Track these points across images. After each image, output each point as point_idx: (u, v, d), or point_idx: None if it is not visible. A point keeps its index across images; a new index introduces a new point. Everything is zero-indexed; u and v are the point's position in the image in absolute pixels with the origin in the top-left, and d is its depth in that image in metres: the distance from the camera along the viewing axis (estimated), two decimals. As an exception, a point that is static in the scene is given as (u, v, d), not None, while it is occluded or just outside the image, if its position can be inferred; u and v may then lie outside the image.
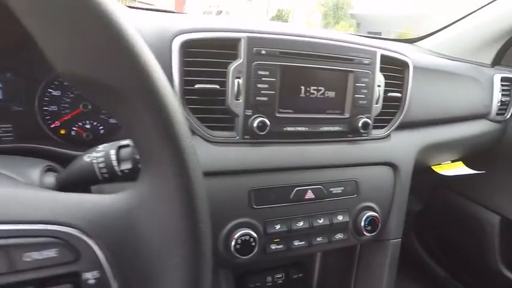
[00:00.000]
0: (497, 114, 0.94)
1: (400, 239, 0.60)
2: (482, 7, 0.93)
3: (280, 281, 0.66)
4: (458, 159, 0.91)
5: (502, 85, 0.92)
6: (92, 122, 0.48)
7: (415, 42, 1.10)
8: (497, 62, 0.98)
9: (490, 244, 1.07)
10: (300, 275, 0.67)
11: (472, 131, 0.88)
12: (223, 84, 0.48)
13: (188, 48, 0.47)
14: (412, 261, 1.34)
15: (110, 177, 0.30)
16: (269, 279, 0.66)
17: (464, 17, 0.98)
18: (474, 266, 1.12)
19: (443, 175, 1.15)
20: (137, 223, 0.22)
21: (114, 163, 0.30)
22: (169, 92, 0.23)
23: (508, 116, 0.97)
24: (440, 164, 0.84)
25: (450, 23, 1.01)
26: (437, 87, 0.75)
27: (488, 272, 1.07)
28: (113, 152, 0.30)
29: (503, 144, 1.03)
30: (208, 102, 0.49)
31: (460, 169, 0.85)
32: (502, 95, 0.93)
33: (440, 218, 1.27)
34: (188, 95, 0.48)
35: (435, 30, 1.06)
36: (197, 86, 0.47)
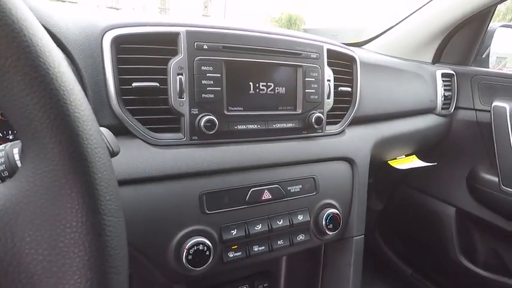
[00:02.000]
0: (443, 108, 1.00)
1: (363, 236, 0.59)
2: (416, 10, 1.00)
3: (246, 294, 0.61)
4: (412, 153, 0.95)
5: (444, 81, 0.98)
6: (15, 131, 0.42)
7: (361, 46, 1.14)
8: (437, 59, 1.04)
9: (448, 236, 1.11)
10: (265, 284, 0.63)
11: (422, 125, 0.92)
12: (164, 82, 0.45)
13: (121, 44, 0.43)
14: (379, 260, 1.35)
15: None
16: (233, 293, 0.61)
17: (402, 20, 1.04)
18: (436, 260, 1.15)
19: (401, 173, 1.19)
20: (17, 222, 0.17)
21: (18, 163, 0.25)
22: (47, 45, 0.18)
23: (452, 110, 1.04)
24: (395, 159, 0.86)
25: (390, 26, 1.07)
26: (385, 82, 0.77)
27: (449, 264, 1.10)
28: (16, 151, 0.25)
29: (450, 138, 1.09)
30: (150, 102, 0.45)
31: (414, 162, 0.88)
32: (445, 89, 0.99)
33: (402, 215, 1.31)
34: (125, 95, 0.43)
35: (378, 33, 1.11)
36: (134, 84, 0.43)
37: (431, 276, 1.20)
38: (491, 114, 0.97)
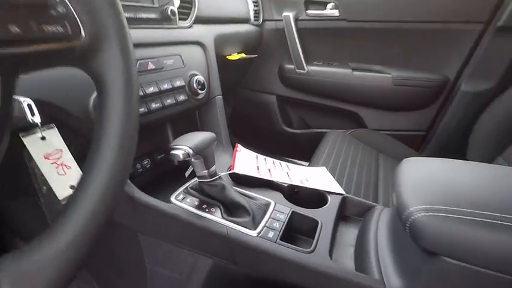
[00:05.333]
0: (255, 19, 1.35)
1: (221, 96, 0.86)
2: None
3: (148, 166, 0.79)
4: (240, 52, 1.27)
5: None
6: None
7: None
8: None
9: (274, 116, 1.58)
10: (162, 155, 0.82)
11: (243, 30, 1.24)
12: None
13: None
14: None
15: None
16: (138, 166, 0.77)
17: None
18: (269, 135, 1.63)
19: (238, 77, 1.53)
20: None
21: None
22: None
23: (261, 21, 1.41)
24: (231, 55, 1.15)
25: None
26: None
27: (278, 134, 1.60)
28: None
29: (264, 43, 1.49)
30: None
31: (242, 56, 1.21)
32: (254, 5, 1.33)
33: (243, 112, 1.71)
34: None
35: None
36: None
37: (268, 149, 1.70)
38: (283, 21, 1.40)
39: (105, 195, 0.25)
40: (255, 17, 1.35)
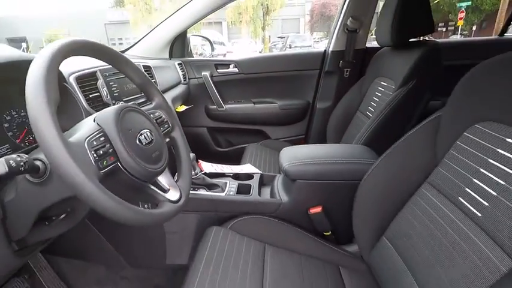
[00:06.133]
0: (183, 80, 1.98)
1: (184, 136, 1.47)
2: (157, 25, 1.85)
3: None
4: (181, 105, 1.88)
5: (179, 67, 1.95)
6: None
7: (125, 52, 1.85)
8: (171, 56, 1.98)
9: (208, 142, 2.22)
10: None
11: (179, 91, 1.85)
12: (99, 92, 1.05)
13: (78, 79, 0.99)
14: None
15: None
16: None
17: (149, 33, 1.86)
18: (207, 156, 2.25)
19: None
20: None
21: None
22: None
23: (188, 81, 2.05)
24: (177, 108, 1.76)
25: (142, 36, 1.86)
26: (163, 74, 1.62)
27: (213, 153, 2.23)
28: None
29: (192, 95, 2.13)
30: (97, 102, 1.05)
31: (183, 108, 1.83)
32: (181, 71, 1.97)
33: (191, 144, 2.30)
34: (89, 100, 1.01)
35: (135, 42, 1.87)
36: (90, 95, 1.02)
37: None
38: (203, 78, 2.08)
39: (189, 170, 0.87)
40: (183, 78, 1.99)
